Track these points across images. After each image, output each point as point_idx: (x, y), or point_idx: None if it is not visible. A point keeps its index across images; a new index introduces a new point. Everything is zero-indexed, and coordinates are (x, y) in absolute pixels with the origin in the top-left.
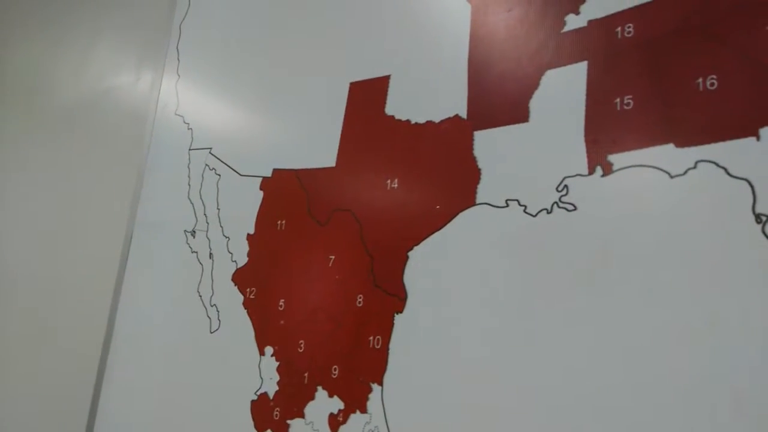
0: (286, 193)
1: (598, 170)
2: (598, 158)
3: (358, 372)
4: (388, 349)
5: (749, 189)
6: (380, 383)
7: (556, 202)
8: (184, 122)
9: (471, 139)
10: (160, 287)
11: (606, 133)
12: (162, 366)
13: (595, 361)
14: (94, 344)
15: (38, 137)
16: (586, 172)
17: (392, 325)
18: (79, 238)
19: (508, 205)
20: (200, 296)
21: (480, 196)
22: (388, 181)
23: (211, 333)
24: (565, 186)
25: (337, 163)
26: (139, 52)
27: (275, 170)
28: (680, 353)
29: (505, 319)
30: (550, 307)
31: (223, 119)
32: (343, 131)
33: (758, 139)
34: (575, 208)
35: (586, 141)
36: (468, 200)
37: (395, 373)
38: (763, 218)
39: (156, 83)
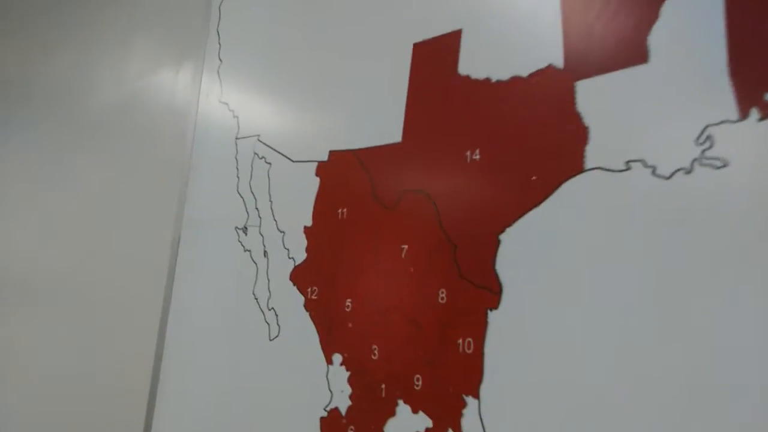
0: (345, 177)
1: (754, 113)
2: (751, 98)
3: (447, 382)
4: (483, 353)
5: None
6: (476, 396)
7: (696, 159)
8: (229, 110)
9: (572, 92)
10: (212, 291)
11: (761, 65)
12: (218, 379)
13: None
14: (146, 357)
15: (79, 141)
16: (736, 117)
17: (486, 323)
18: (125, 243)
19: (629, 168)
20: (256, 299)
21: (590, 160)
22: (468, 153)
23: (271, 340)
24: (708, 137)
25: (403, 137)
26: (178, 40)
27: (332, 152)
28: None
29: (632, 316)
30: (693, 299)
31: (271, 102)
32: (408, 101)
33: None
34: (725, 165)
35: (732, 77)
36: (574, 166)
37: (494, 382)
38: None
39: (197, 71)
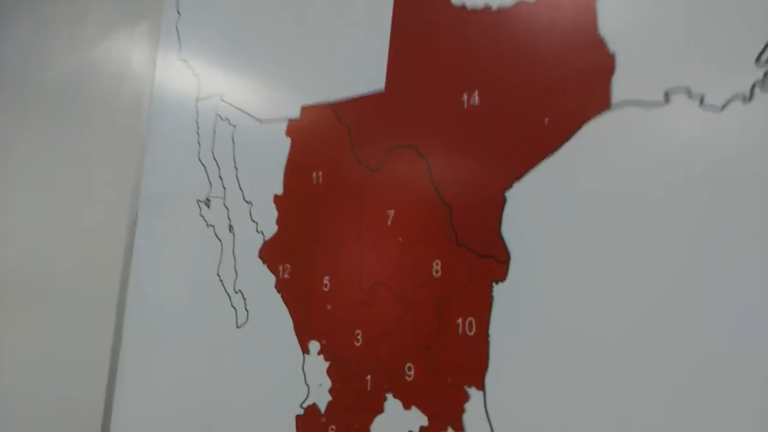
0: (321, 136)
1: None
2: None
3: (444, 371)
4: (487, 335)
5: None
6: (480, 387)
7: (758, 83)
8: (188, 67)
9: (593, 12)
10: (173, 273)
11: None
12: (180, 372)
13: None
14: (102, 347)
15: (32, 115)
16: None
17: (491, 299)
18: (78, 222)
19: (669, 100)
20: (221, 281)
21: (618, 94)
22: (465, 97)
23: (238, 327)
24: (762, 59)
25: (387, 84)
26: (132, 1)
27: (304, 108)
28: None
29: (671, 288)
30: (748, 268)
31: (234, 56)
32: (392, 40)
33: None
34: None
35: None
36: (598, 102)
37: (502, 370)
38: None
39: (154, 29)
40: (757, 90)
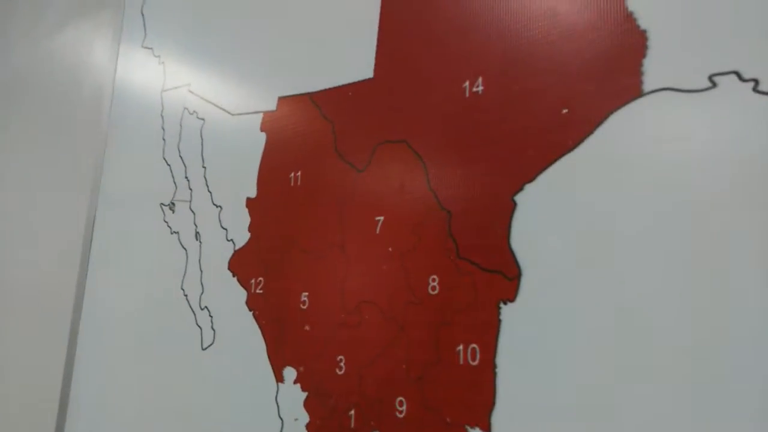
0: (299, 130)
1: None
2: None
3: (442, 407)
4: (494, 365)
5: None
6: (486, 427)
7: None
8: (154, 56)
9: None
10: (132, 286)
11: None
12: (137, 400)
13: None
14: (54, 368)
15: None
16: None
17: (498, 323)
18: (32, 223)
19: (715, 85)
20: (186, 296)
21: (651, 78)
22: (467, 84)
23: (203, 349)
24: None
25: (375, 71)
26: None
27: (281, 99)
28: None
29: (714, 306)
30: None
31: (204, 42)
32: (381, 22)
33: None
34: None
35: None
36: (627, 88)
37: (511, 408)
38: None
39: (118, 14)
40: None
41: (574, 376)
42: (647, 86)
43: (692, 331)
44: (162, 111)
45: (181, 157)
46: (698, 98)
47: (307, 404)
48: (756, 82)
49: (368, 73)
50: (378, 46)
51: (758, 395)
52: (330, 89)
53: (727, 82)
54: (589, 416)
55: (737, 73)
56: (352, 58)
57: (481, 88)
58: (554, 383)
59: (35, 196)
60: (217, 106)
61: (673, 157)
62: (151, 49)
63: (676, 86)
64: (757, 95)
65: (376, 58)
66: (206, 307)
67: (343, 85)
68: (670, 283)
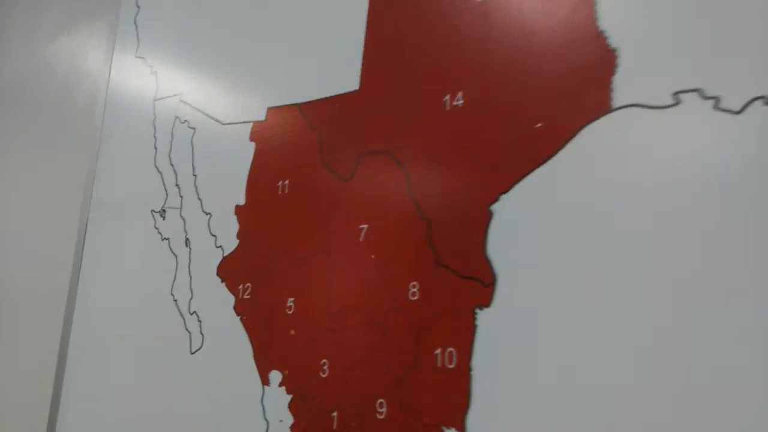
0: (287, 140)
1: None
2: None
3: (420, 409)
4: (469, 368)
5: None
6: (461, 427)
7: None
8: (147, 65)
9: (592, 3)
10: (124, 291)
11: None
12: (128, 403)
13: None
14: (45, 373)
15: None
16: None
17: (474, 327)
18: (26, 228)
19: (679, 101)
20: (175, 301)
21: (620, 94)
22: (447, 98)
23: (192, 353)
24: None
25: (361, 84)
26: None
27: (270, 110)
28: None
29: (683, 313)
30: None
31: (196, 53)
32: (367, 35)
33: None
34: None
35: None
36: (597, 104)
37: (486, 409)
38: None
39: (112, 23)
40: (761, 97)
41: (546, 378)
42: (616, 102)
43: (658, 336)
44: (154, 119)
45: (172, 165)
46: (663, 114)
47: (292, 406)
48: (717, 99)
49: (355, 85)
50: (364, 59)
51: (735, 413)
52: (317, 100)
53: (690, 99)
54: (561, 417)
55: (699, 91)
56: (339, 71)
57: (461, 101)
58: (526, 385)
59: (29, 202)
60: (208, 116)
61: (638, 171)
62: (144, 58)
63: (643, 103)
64: (718, 112)
65: (362, 71)
66: (195, 311)
67: (330, 97)
68: (637, 291)
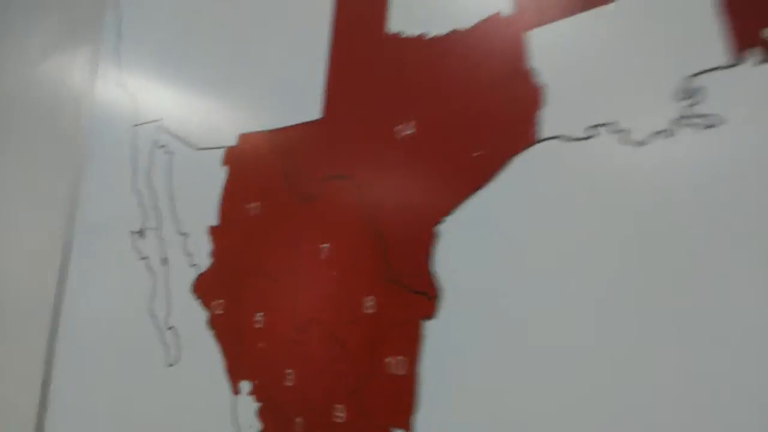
0: (257, 164)
1: (750, 57)
2: (746, 38)
3: (374, 413)
4: (415, 375)
5: None
6: (408, 429)
7: (679, 119)
8: (128, 92)
9: (523, 45)
10: (106, 308)
11: None
12: (112, 410)
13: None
14: (31, 381)
15: None
16: (727, 62)
17: (419, 337)
18: (11, 249)
19: (593, 135)
20: (153, 316)
21: (546, 128)
22: (399, 128)
23: (169, 366)
24: (694, 89)
25: (324, 113)
26: (76, 19)
27: (241, 136)
28: None
29: (604, 320)
30: (680, 300)
31: (173, 81)
32: (329, 68)
33: None
34: (715, 124)
35: (722, 14)
36: (526, 136)
37: (430, 412)
38: None
39: (95, 51)
40: (678, 125)
41: (487, 383)
42: (543, 134)
43: (583, 345)
44: (134, 144)
45: (150, 188)
46: (579, 146)
47: (261, 414)
48: (625, 133)
49: (318, 114)
50: (326, 90)
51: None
52: (285, 128)
53: (604, 132)
54: (500, 419)
55: (611, 125)
56: (305, 101)
57: (412, 131)
58: (467, 389)
59: (14, 221)
60: (184, 141)
61: (558, 196)
62: (125, 85)
63: (564, 135)
64: (624, 145)
65: (325, 102)
66: (172, 326)
67: (297, 125)
68: (561, 305)
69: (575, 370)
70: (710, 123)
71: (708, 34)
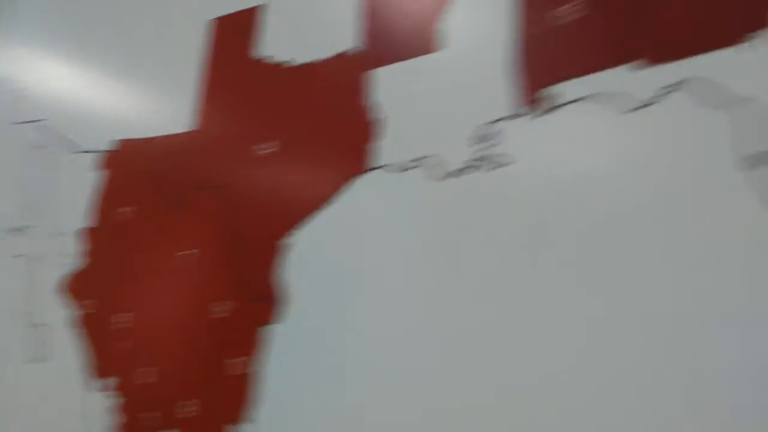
0: (132, 170)
1: (532, 109)
2: (528, 93)
3: (220, 409)
4: (259, 375)
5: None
6: (250, 423)
7: (479, 158)
8: (7, 90)
9: (367, 82)
10: None
11: (538, 58)
12: None
13: (547, 367)
14: None
15: None
16: (514, 113)
17: (262, 340)
18: None
19: (416, 165)
20: (24, 314)
21: (381, 156)
22: (265, 145)
23: (38, 363)
24: (484, 136)
25: (199, 125)
26: None
27: (118, 141)
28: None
29: (416, 324)
30: (469, 307)
31: (57, 80)
32: (203, 82)
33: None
34: (507, 163)
35: (512, 71)
36: (364, 163)
37: (271, 406)
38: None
39: None
40: (470, 166)
41: (320, 381)
42: (378, 162)
43: (423, 336)
44: (13, 142)
45: (27, 187)
46: (404, 175)
47: (118, 409)
48: (437, 166)
49: (190, 126)
50: (201, 103)
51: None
52: (161, 136)
53: (424, 163)
54: (332, 411)
55: (429, 158)
56: (180, 113)
57: (271, 149)
58: (305, 387)
59: None
60: (64, 142)
61: (389, 217)
62: (5, 79)
63: (393, 164)
64: (436, 177)
65: (199, 115)
66: (41, 324)
67: (170, 135)
68: (394, 312)
69: (411, 373)
70: (503, 162)
71: (507, 86)
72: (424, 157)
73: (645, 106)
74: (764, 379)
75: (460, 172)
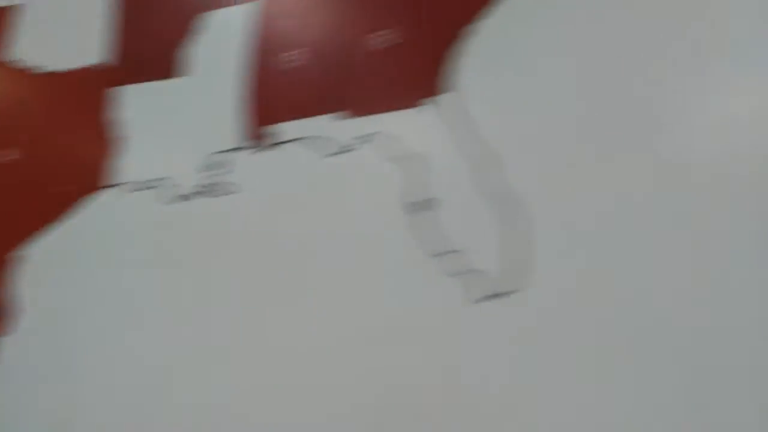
0: None
1: (257, 144)
2: (255, 128)
3: None
4: None
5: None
6: None
7: (206, 184)
8: None
9: (105, 97)
10: None
11: (264, 98)
12: None
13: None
14: None
15: None
16: (238, 146)
17: None
18: None
19: (145, 188)
20: None
21: (119, 175)
22: (13, 151)
23: None
24: (214, 164)
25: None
26: None
27: None
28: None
29: (139, 329)
30: (187, 313)
31: None
32: None
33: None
34: (236, 191)
35: (243, 107)
36: (101, 180)
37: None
38: (414, 207)
39: None
40: (199, 192)
41: (59, 399)
42: (116, 180)
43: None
44: None
45: None
46: (139, 195)
47: None
48: (170, 189)
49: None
50: None
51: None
52: None
53: (160, 185)
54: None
55: (163, 180)
56: None
57: (18, 155)
58: (35, 404)
59: None
60: None
61: (109, 241)
62: None
63: (131, 182)
64: (167, 200)
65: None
66: None
67: None
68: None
69: (137, 376)
70: (230, 190)
71: (230, 121)
72: (159, 179)
73: (343, 152)
74: None
75: (190, 196)
